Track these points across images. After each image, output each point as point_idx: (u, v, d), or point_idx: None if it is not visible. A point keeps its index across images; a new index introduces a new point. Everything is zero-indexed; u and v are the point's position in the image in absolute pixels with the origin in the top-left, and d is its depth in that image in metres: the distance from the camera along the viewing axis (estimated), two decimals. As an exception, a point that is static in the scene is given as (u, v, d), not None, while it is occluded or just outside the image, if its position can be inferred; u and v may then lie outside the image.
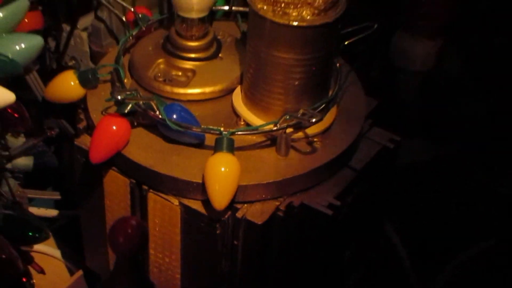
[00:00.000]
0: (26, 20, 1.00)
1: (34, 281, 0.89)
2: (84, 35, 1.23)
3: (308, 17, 0.70)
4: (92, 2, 1.40)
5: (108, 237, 0.68)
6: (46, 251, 0.97)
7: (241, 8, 0.89)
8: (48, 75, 1.14)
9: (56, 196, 0.97)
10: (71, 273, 0.96)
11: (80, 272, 0.92)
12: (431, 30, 1.05)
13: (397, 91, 1.09)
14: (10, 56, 0.65)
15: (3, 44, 0.65)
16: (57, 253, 0.98)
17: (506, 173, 1.15)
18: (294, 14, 0.70)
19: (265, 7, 0.71)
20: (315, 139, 0.76)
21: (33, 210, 0.97)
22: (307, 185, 0.75)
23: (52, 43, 1.12)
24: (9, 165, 0.75)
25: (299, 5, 0.70)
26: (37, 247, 0.93)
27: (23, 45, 0.67)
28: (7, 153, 0.69)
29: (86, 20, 1.22)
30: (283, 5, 0.71)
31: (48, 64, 1.16)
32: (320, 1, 0.71)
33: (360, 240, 0.88)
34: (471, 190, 1.14)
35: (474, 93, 1.12)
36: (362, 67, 0.87)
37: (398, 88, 1.09)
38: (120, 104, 0.74)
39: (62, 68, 1.21)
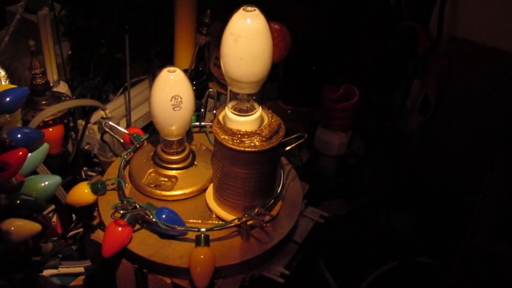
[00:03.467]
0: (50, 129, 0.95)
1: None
2: (95, 127, 1.18)
3: (258, 144, 0.66)
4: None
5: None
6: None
7: (208, 123, 0.85)
8: (70, 164, 1.08)
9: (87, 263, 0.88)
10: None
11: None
12: (343, 126, 1.02)
13: (320, 169, 1.06)
14: (34, 194, 0.58)
15: (28, 186, 0.58)
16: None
17: (396, 215, 1.13)
18: (247, 142, 0.66)
19: (226, 137, 0.67)
20: (268, 225, 0.72)
21: (64, 269, 0.91)
22: (264, 261, 0.70)
23: (73, 134, 1.06)
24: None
25: (251, 135, 0.66)
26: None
27: (45, 183, 0.60)
28: (39, 258, 0.62)
29: (96, 116, 1.16)
30: (239, 135, 0.66)
31: (71, 151, 1.10)
32: (266, 131, 0.66)
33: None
34: (375, 229, 1.11)
35: (373, 165, 1.10)
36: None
37: (320, 167, 1.06)
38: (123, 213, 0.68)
39: (81, 151, 1.15)
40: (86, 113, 1.16)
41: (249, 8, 0.61)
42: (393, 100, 1.14)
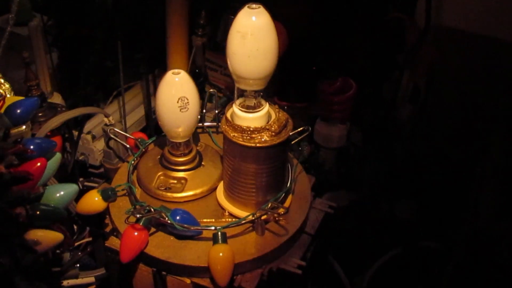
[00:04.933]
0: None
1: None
2: (89, 137, 1.17)
3: (268, 139, 0.67)
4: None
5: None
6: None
7: (212, 124, 0.86)
8: (69, 175, 1.08)
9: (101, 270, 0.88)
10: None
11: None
12: (342, 119, 1.04)
13: (321, 162, 1.07)
14: (52, 204, 0.58)
15: (46, 196, 0.58)
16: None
17: (398, 203, 1.16)
18: (257, 138, 0.67)
19: (236, 135, 0.68)
20: (280, 219, 0.73)
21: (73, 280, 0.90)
22: (280, 254, 0.72)
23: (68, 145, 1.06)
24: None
25: (260, 131, 0.67)
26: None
27: (61, 193, 0.60)
28: (59, 268, 0.62)
29: (88, 126, 1.16)
30: (249, 132, 0.67)
31: (67, 161, 1.09)
32: (275, 126, 0.68)
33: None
34: (378, 218, 1.13)
35: (372, 155, 1.12)
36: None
37: (321, 159, 1.07)
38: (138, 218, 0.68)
39: (76, 162, 1.14)
40: (79, 123, 1.15)
41: (253, 6, 0.62)
42: (384, 91, 1.16)
